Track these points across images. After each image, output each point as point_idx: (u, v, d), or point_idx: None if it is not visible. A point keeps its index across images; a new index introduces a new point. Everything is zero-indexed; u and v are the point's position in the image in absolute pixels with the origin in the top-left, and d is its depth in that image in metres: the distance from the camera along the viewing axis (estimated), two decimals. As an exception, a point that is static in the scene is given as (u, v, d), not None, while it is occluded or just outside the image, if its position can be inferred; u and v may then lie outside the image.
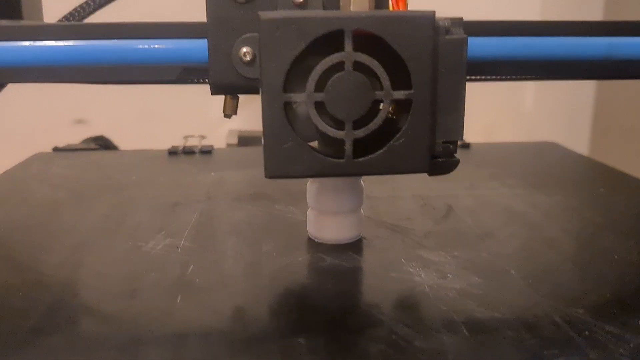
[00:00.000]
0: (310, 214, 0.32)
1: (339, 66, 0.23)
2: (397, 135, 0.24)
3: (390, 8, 0.26)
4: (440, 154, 0.25)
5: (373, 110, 0.24)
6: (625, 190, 0.41)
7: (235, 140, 0.68)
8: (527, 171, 0.46)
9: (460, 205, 0.37)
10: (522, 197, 0.39)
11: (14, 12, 0.38)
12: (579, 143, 0.81)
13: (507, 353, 0.21)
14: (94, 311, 0.25)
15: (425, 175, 0.26)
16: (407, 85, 0.24)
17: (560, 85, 0.83)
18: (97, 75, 0.31)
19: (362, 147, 0.24)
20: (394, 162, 0.25)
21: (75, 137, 0.59)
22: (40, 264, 0.29)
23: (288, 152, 0.24)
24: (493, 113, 0.83)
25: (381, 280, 0.27)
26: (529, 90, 0.85)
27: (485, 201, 0.38)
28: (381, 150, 0.24)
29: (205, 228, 0.33)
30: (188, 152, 0.51)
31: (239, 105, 0.32)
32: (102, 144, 0.56)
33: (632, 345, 0.21)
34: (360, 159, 0.24)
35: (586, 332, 0.22)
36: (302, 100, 0.24)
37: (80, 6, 0.38)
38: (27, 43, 0.29)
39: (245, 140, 0.66)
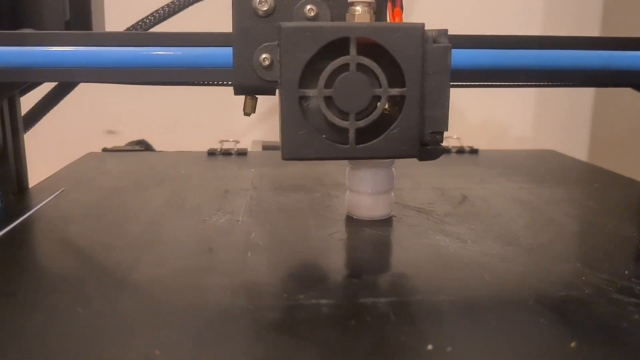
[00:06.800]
0: (348, 195, 0.37)
1: (344, 68, 0.29)
2: (393, 126, 0.30)
3: (388, 20, 0.32)
4: (428, 142, 0.31)
5: (372, 105, 0.30)
6: (617, 186, 0.47)
7: (259, 149, 0.73)
8: (531, 172, 0.52)
9: (473, 195, 0.43)
10: (527, 189, 0.45)
11: (86, 24, 0.45)
12: (578, 153, 0.87)
13: (515, 288, 0.27)
14: (177, 263, 0.30)
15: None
16: (401, 84, 0.30)
17: (559, 98, 0.90)
18: (138, 77, 0.36)
19: (363, 136, 0.30)
20: (390, 148, 0.31)
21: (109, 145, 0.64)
22: (123, 232, 0.35)
23: (302, 138, 0.30)
24: (496, 123, 0.90)
25: (414, 244, 0.33)
26: (529, 100, 0.91)
27: (495, 192, 0.44)
28: (379, 138, 0.30)
29: (257, 208, 0.39)
30: (225, 153, 0.56)
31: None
32: (144, 147, 0.61)
33: (619, 285, 0.27)
34: (361, 145, 0.30)
35: (583, 278, 0.28)
36: (314, 94, 0.29)
37: (142, 20, 0.44)
38: (99, 48, 0.35)
39: (268, 149, 0.72)
